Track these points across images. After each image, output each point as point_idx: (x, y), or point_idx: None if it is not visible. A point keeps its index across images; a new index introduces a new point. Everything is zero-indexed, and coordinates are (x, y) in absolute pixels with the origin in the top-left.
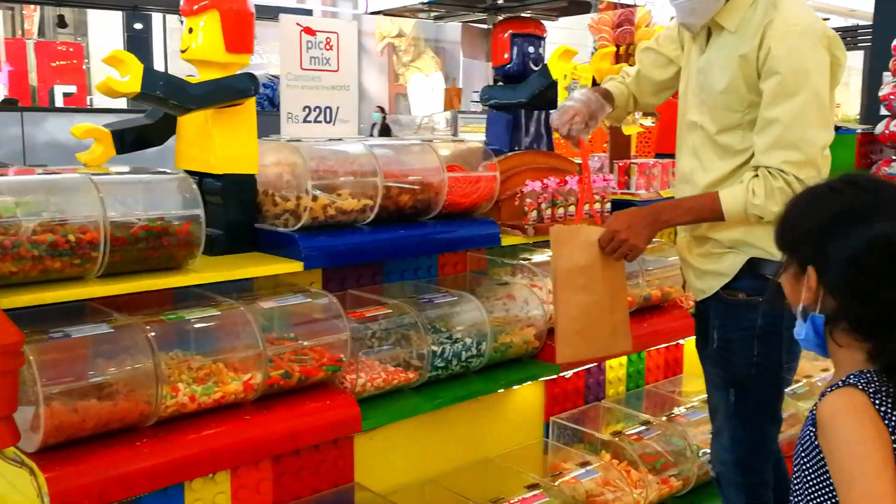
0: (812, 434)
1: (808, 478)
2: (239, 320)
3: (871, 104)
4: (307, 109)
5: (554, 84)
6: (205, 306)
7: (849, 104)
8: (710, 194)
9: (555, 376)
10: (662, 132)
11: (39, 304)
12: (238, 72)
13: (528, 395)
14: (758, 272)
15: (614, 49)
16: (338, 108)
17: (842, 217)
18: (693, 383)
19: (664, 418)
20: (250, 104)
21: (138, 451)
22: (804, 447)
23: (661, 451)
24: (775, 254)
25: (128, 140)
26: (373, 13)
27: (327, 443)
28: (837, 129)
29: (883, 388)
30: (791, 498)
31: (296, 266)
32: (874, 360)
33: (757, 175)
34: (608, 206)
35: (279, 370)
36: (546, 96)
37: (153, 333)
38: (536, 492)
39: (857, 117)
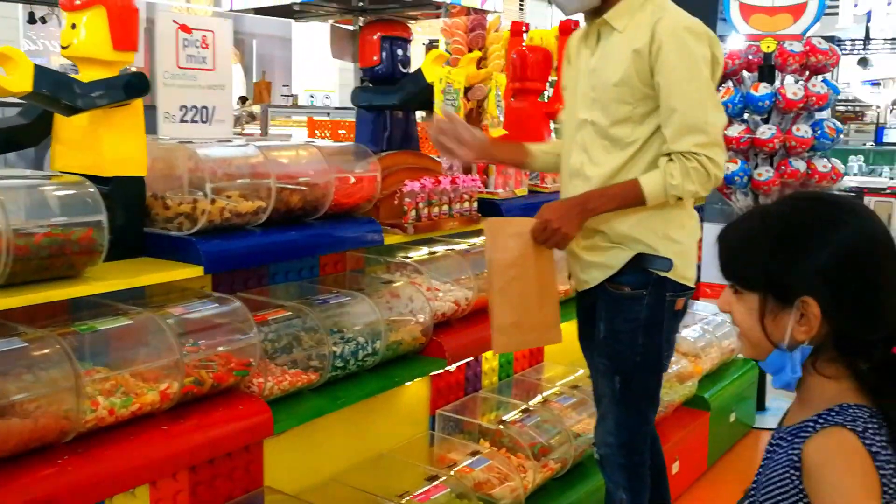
0: (793, 477)
1: None
2: (152, 328)
3: None
4: (184, 109)
5: (428, 87)
6: (115, 315)
7: None
8: (631, 181)
9: (441, 371)
10: (508, 136)
11: None
12: (123, 70)
13: (415, 390)
14: (642, 266)
15: (479, 54)
16: (214, 107)
17: (814, 231)
18: (553, 370)
19: (536, 402)
20: (137, 104)
21: (61, 470)
22: (783, 490)
23: (538, 436)
24: (659, 249)
25: (1, 141)
26: (236, 11)
27: (239, 449)
28: None
29: (870, 426)
30: None
31: (195, 270)
32: (865, 382)
33: (672, 159)
34: (475, 204)
35: (189, 377)
36: (420, 99)
37: (69, 346)
38: (437, 482)
39: None
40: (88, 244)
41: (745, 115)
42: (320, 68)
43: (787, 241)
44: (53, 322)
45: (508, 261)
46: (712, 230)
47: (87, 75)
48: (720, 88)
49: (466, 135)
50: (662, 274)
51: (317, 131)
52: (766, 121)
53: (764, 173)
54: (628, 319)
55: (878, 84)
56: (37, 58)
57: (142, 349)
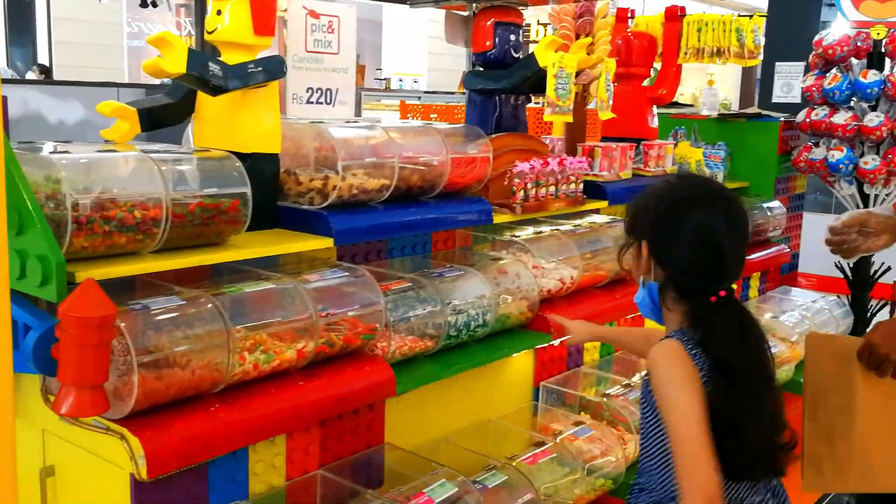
0: (646, 382)
1: (648, 418)
2: (291, 293)
3: (745, 90)
4: (310, 91)
5: (540, 71)
6: (256, 280)
7: (728, 89)
8: None
9: (546, 345)
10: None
11: (109, 278)
12: (261, 54)
13: (521, 362)
14: None
15: (590, 40)
16: (337, 89)
17: (669, 205)
18: None
19: (636, 379)
20: (273, 85)
21: (214, 416)
22: (643, 394)
23: (639, 410)
24: None
25: (151, 118)
26: None
27: (364, 406)
28: (759, 116)
29: (692, 340)
30: (640, 438)
31: (326, 242)
32: (690, 318)
33: None
34: (581, 186)
35: (322, 339)
36: (531, 82)
37: (221, 305)
38: (544, 448)
39: (727, 102)
40: (234, 214)
41: (852, 103)
42: (409, 52)
43: (647, 206)
44: (199, 284)
45: (822, 385)
46: (811, 221)
47: (229, 58)
48: (826, 75)
49: (872, 221)
50: None
51: (409, 115)
52: (873, 108)
53: (870, 161)
54: None
55: None
56: (133, 40)
57: (280, 311)
